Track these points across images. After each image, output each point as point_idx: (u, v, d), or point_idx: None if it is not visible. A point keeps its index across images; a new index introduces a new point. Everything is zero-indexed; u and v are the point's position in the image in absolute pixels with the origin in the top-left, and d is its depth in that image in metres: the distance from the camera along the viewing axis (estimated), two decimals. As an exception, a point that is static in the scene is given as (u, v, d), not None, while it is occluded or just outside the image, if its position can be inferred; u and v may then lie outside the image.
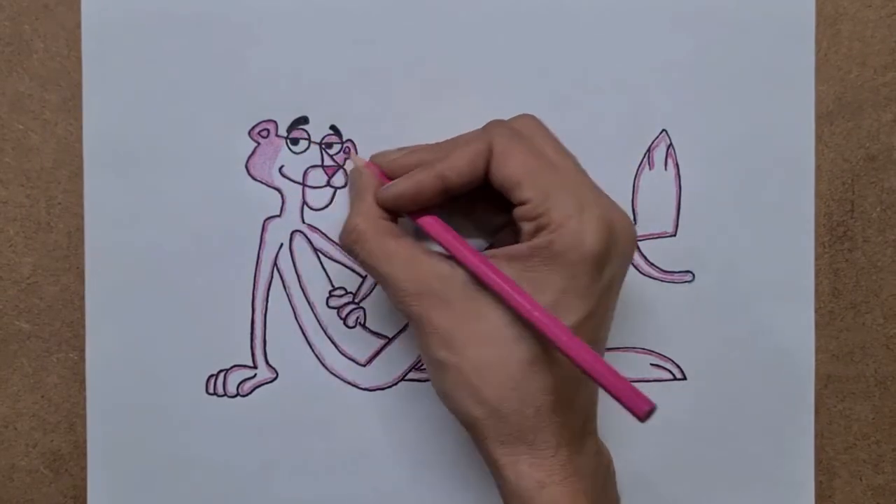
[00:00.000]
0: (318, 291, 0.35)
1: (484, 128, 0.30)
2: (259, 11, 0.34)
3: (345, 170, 0.35)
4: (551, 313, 0.27)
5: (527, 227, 0.28)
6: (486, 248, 0.33)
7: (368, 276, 0.35)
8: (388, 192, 0.30)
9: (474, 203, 0.32)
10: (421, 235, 0.31)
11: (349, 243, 0.30)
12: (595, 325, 0.28)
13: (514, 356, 0.27)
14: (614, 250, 0.28)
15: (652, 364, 0.35)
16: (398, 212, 0.30)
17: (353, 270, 0.35)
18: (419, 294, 0.28)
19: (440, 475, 0.35)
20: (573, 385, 0.28)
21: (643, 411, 0.24)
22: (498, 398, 0.27)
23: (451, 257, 0.29)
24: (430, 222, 0.30)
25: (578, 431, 0.28)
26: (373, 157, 0.32)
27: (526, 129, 0.30)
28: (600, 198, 0.28)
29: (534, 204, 0.27)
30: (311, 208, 0.35)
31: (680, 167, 0.35)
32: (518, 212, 0.28)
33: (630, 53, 0.35)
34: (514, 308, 0.27)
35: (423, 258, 0.29)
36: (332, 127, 0.35)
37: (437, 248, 0.30)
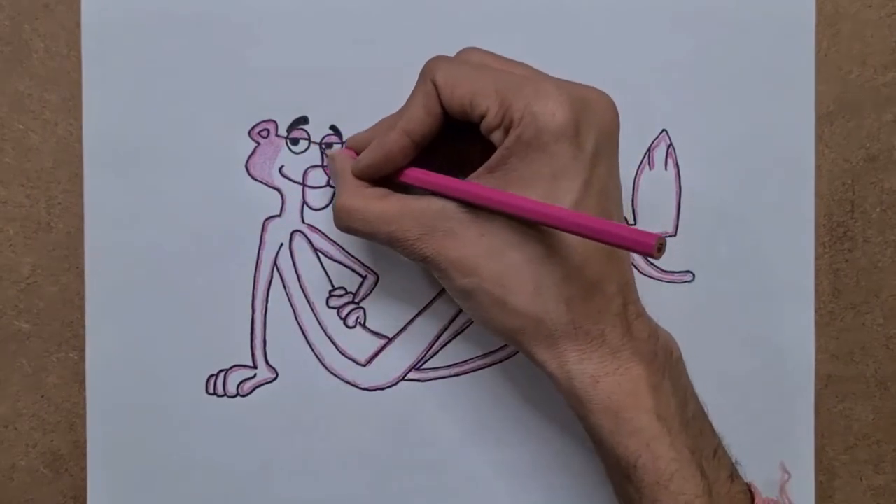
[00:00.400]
0: (318, 291, 0.35)
1: (423, 69, 0.30)
2: (259, 11, 0.34)
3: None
4: (544, 202, 0.27)
5: (497, 136, 0.28)
6: None
7: (369, 276, 0.35)
8: (361, 163, 0.31)
9: (467, 152, 0.32)
10: (411, 193, 0.31)
11: (344, 222, 0.31)
12: (596, 197, 0.28)
13: (526, 257, 0.28)
14: (588, 120, 0.27)
15: (652, 364, 0.35)
16: (379, 178, 0.31)
17: (353, 270, 0.35)
18: (424, 236, 0.29)
19: (440, 475, 0.35)
20: (596, 267, 0.28)
21: (651, 246, 0.24)
22: (526, 303, 0.28)
23: (439, 194, 0.29)
24: (410, 175, 0.30)
25: (620, 313, 0.28)
26: (346, 143, 0.34)
27: (466, 55, 0.30)
28: (560, 80, 0.28)
29: (493, 112, 0.27)
30: (311, 208, 0.35)
31: (680, 167, 0.35)
32: (484, 126, 0.28)
33: (630, 53, 0.35)
34: (505, 213, 0.27)
35: (414, 204, 0.29)
36: (332, 127, 0.35)
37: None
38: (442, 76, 0.28)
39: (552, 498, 0.36)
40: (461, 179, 0.29)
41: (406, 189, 0.31)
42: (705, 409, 0.30)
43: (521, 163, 0.27)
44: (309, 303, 0.35)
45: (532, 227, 0.28)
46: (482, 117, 0.28)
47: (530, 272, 0.28)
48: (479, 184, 0.28)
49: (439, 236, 0.29)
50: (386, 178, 0.31)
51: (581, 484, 0.35)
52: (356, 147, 0.32)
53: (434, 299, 0.35)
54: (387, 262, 0.35)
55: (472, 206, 0.28)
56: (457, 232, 0.29)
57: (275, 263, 0.35)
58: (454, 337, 0.35)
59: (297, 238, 0.35)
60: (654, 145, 0.35)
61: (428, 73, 0.29)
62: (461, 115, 0.28)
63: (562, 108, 0.27)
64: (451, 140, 0.30)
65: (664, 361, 0.29)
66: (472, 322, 0.35)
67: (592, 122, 0.28)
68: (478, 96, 0.28)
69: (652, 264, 0.35)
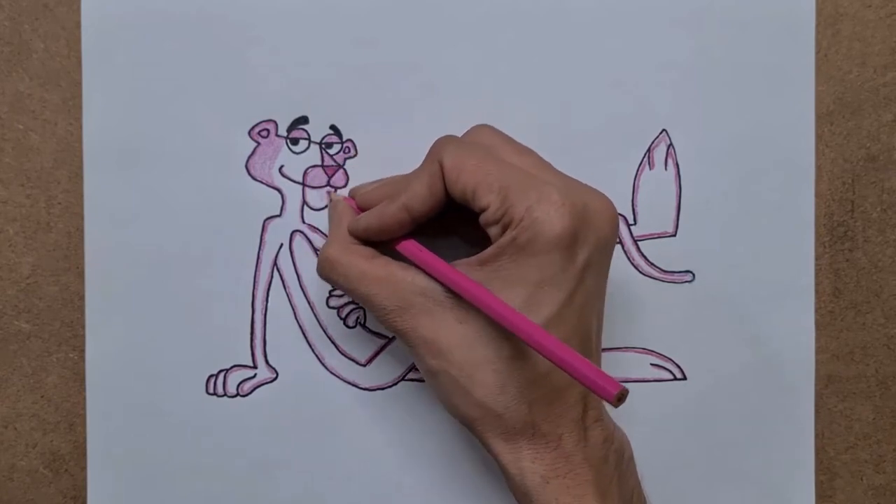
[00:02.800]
0: (318, 291, 0.35)
1: (432, 147, 0.30)
2: (259, 11, 0.34)
3: (345, 170, 0.35)
4: (525, 308, 0.27)
5: (494, 230, 0.28)
6: None
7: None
8: (357, 225, 0.31)
9: (465, 224, 0.31)
10: (408, 260, 0.31)
11: (325, 273, 0.31)
12: (578, 311, 0.28)
13: (497, 354, 0.28)
14: (585, 231, 0.27)
15: (652, 364, 0.35)
16: (372, 241, 0.31)
17: (353, 270, 0.35)
18: (400, 309, 0.29)
19: (440, 475, 0.35)
20: (562, 375, 0.28)
21: (612, 395, 0.24)
22: (489, 397, 0.28)
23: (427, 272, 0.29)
24: (405, 247, 0.30)
25: (579, 420, 0.28)
26: (350, 191, 0.34)
27: (476, 138, 0.30)
28: (563, 183, 0.28)
29: (493, 207, 0.27)
30: (311, 208, 0.35)
31: (680, 167, 0.35)
32: (483, 218, 0.28)
33: (630, 53, 0.35)
34: (483, 310, 0.27)
35: (400, 275, 0.29)
36: (332, 127, 0.35)
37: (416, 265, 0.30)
38: (449, 159, 0.28)
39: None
40: (450, 264, 0.29)
41: (398, 255, 0.31)
42: None
43: (511, 264, 0.27)
44: (309, 303, 0.35)
45: (505, 328, 0.28)
46: (483, 210, 0.28)
47: (498, 370, 0.28)
48: (465, 275, 0.28)
49: (416, 312, 0.29)
50: (381, 243, 0.31)
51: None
52: (358, 200, 0.32)
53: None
54: (387, 262, 0.35)
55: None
56: (435, 313, 0.29)
57: (275, 263, 0.35)
58: (454, 337, 0.35)
59: (297, 238, 0.35)
60: (654, 145, 0.35)
61: (435, 154, 0.29)
62: (462, 201, 0.29)
63: (561, 219, 0.27)
64: (455, 209, 0.30)
65: (615, 466, 0.29)
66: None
67: (590, 234, 0.28)
68: (481, 188, 0.28)
69: (652, 264, 0.35)
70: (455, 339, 0.28)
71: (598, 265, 0.29)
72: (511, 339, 0.28)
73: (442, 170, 0.29)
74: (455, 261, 0.29)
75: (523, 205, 0.27)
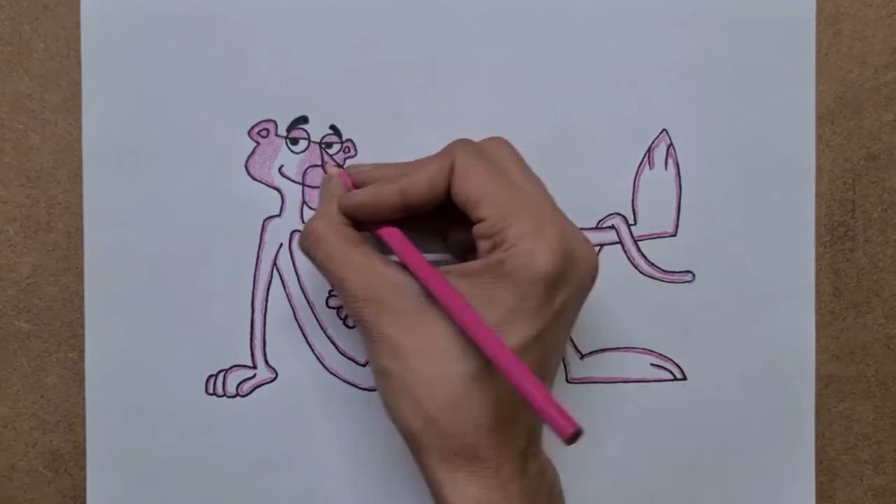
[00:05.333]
0: (318, 291, 0.35)
1: (448, 146, 0.30)
2: (259, 11, 0.34)
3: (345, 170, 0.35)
4: (496, 330, 0.26)
5: (484, 244, 0.28)
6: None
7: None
8: (349, 200, 0.30)
9: (448, 222, 0.31)
10: (386, 249, 0.30)
11: (307, 245, 0.30)
12: (542, 349, 0.28)
13: (457, 371, 0.27)
14: (569, 276, 0.27)
15: (652, 364, 0.35)
16: (359, 220, 0.31)
17: (353, 270, 0.35)
18: (369, 300, 0.28)
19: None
20: (516, 404, 0.28)
21: (568, 433, 0.24)
22: (437, 411, 0.27)
23: (407, 269, 0.29)
24: (389, 233, 0.30)
25: (521, 451, 0.28)
26: (347, 168, 0.33)
27: (491, 150, 0.30)
28: (561, 223, 0.28)
29: (491, 222, 0.27)
30: (310, 208, 0.35)
31: (680, 167, 0.35)
32: (476, 229, 0.28)
33: (630, 53, 0.35)
34: (457, 321, 0.27)
35: (378, 266, 0.29)
36: (332, 127, 0.35)
37: (398, 261, 0.30)
38: (461, 164, 0.28)
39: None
40: (434, 266, 0.28)
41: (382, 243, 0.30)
42: None
43: (492, 284, 0.27)
44: (309, 303, 0.35)
45: (472, 345, 0.27)
46: (479, 221, 0.28)
47: (454, 387, 0.27)
48: (446, 280, 0.28)
49: (382, 308, 0.28)
50: (367, 223, 0.31)
51: (581, 484, 0.35)
52: (354, 177, 0.32)
53: (434, 299, 0.35)
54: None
55: (431, 298, 0.28)
56: (402, 314, 0.28)
57: (275, 263, 0.35)
58: (454, 337, 0.35)
59: (297, 238, 0.35)
60: (654, 145, 0.35)
61: (450, 152, 0.29)
62: (462, 205, 0.28)
63: (553, 256, 0.27)
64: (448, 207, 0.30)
65: (546, 498, 0.29)
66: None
67: (573, 279, 0.28)
68: (483, 200, 0.28)
69: (652, 264, 0.35)
70: (417, 345, 0.28)
71: (572, 309, 0.29)
72: (472, 360, 0.27)
73: (451, 169, 0.28)
74: (438, 265, 0.29)
75: (518, 231, 0.27)
